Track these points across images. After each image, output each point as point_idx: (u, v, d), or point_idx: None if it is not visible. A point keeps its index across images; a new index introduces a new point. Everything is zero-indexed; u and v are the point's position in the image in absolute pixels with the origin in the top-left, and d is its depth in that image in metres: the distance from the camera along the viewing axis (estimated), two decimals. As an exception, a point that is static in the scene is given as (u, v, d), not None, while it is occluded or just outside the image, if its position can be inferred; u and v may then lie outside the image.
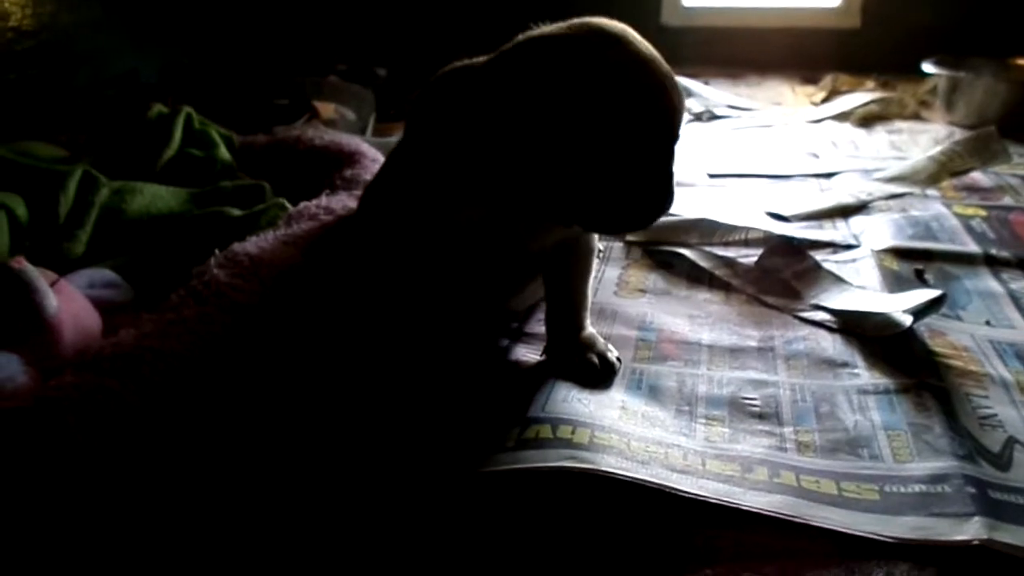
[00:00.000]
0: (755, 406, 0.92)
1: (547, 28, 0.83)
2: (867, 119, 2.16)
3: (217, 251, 1.04)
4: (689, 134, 2.06)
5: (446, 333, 1.07)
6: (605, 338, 1.05)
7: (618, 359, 1.00)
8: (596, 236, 1.04)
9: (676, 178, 0.86)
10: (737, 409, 0.92)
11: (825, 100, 2.37)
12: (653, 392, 0.95)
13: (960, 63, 2.15)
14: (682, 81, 2.40)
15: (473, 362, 1.02)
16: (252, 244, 1.07)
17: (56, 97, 1.91)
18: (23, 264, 0.93)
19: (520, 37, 0.84)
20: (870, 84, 2.45)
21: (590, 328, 1.03)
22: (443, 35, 2.69)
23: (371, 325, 1.04)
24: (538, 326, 1.09)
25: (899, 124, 2.13)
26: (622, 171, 0.80)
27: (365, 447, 0.85)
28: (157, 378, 0.83)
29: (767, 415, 0.91)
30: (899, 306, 1.05)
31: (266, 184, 1.40)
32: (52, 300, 0.93)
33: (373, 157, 1.47)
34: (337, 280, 1.09)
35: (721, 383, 0.97)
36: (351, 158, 1.45)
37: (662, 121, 0.79)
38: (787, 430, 0.88)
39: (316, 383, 0.95)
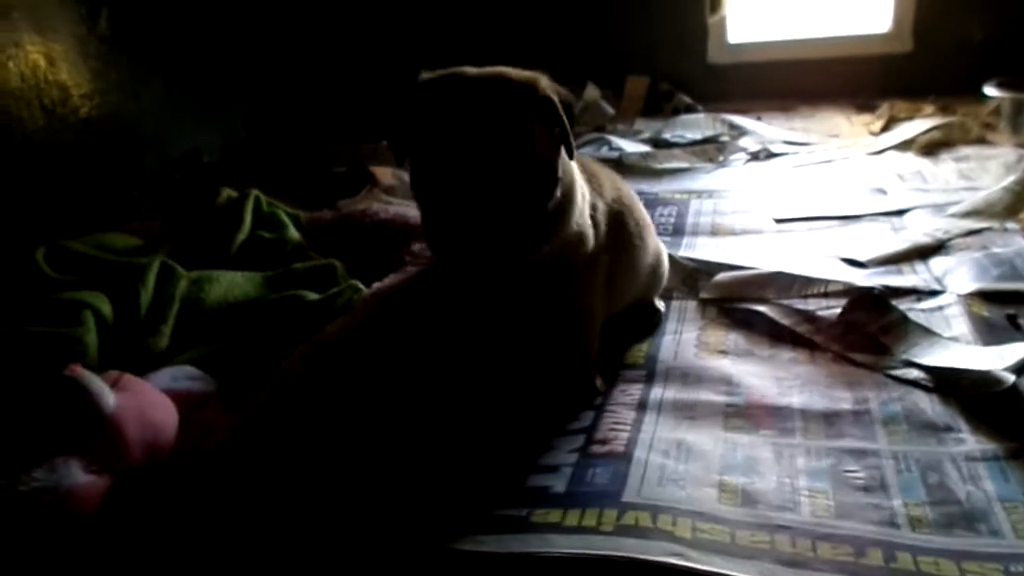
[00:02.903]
0: (859, 479, 0.89)
1: None
2: (930, 146, 2.11)
3: (301, 345, 1.05)
4: (748, 175, 2.04)
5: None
6: (691, 406, 1.06)
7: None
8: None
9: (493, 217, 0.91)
10: (840, 483, 0.89)
11: (884, 129, 2.32)
12: (750, 462, 0.93)
13: (1023, 83, 2.09)
14: (734, 119, 2.42)
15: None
16: (333, 336, 1.07)
17: (126, 183, 1.97)
18: (76, 370, 0.96)
19: None
20: (928, 109, 2.40)
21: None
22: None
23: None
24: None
25: (965, 150, 2.07)
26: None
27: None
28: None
29: (872, 488, 0.88)
30: (998, 362, 1.02)
31: (337, 263, 1.41)
32: (109, 399, 0.95)
33: (439, 228, 1.48)
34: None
35: (820, 454, 0.94)
36: (417, 231, 1.46)
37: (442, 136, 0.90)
38: (896, 503, 0.85)
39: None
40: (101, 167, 1.93)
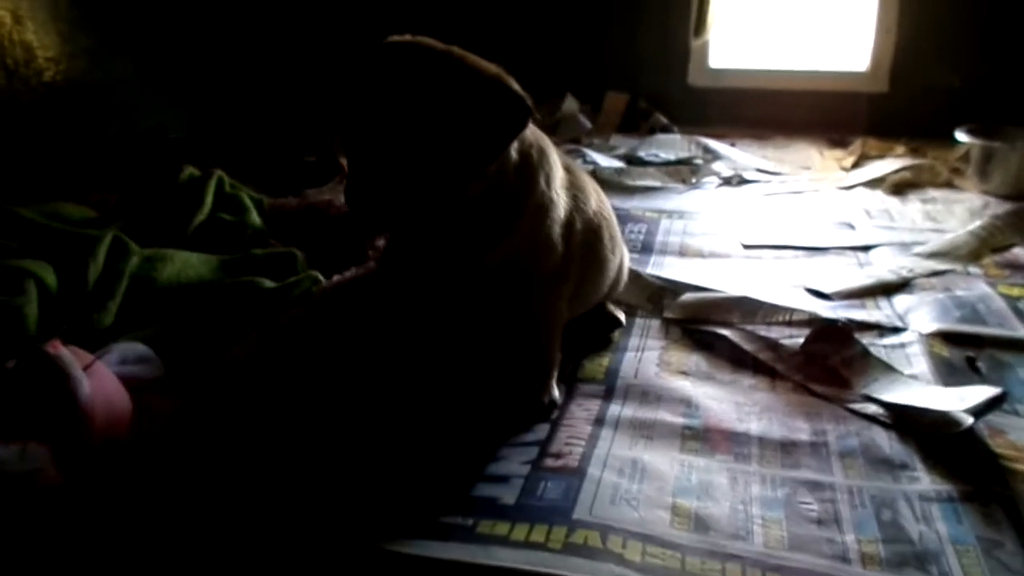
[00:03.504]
0: (813, 511, 0.88)
1: None
2: (899, 186, 2.13)
3: (252, 333, 1.01)
4: (720, 199, 2.04)
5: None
6: (649, 425, 1.03)
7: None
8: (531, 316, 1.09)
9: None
10: (794, 514, 0.87)
11: (855, 165, 2.34)
12: (704, 487, 0.91)
13: (993, 132, 2.12)
14: (709, 143, 2.42)
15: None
16: (286, 325, 1.04)
17: (87, 151, 1.90)
18: (59, 349, 0.91)
19: None
20: (899, 149, 2.43)
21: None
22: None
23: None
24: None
25: (932, 192, 2.10)
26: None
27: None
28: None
29: (826, 521, 0.86)
30: (956, 404, 1.01)
31: (298, 252, 1.37)
32: (86, 387, 0.90)
33: (406, 225, 1.44)
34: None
35: (775, 483, 0.92)
36: (384, 226, 1.43)
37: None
38: (849, 538, 0.84)
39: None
40: (62, 133, 1.87)
